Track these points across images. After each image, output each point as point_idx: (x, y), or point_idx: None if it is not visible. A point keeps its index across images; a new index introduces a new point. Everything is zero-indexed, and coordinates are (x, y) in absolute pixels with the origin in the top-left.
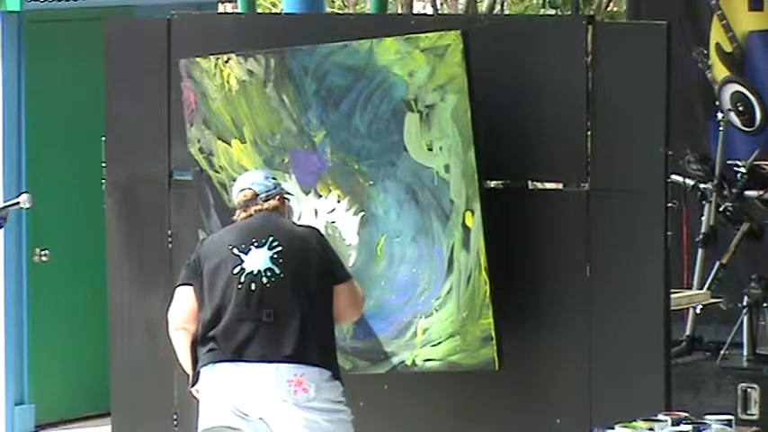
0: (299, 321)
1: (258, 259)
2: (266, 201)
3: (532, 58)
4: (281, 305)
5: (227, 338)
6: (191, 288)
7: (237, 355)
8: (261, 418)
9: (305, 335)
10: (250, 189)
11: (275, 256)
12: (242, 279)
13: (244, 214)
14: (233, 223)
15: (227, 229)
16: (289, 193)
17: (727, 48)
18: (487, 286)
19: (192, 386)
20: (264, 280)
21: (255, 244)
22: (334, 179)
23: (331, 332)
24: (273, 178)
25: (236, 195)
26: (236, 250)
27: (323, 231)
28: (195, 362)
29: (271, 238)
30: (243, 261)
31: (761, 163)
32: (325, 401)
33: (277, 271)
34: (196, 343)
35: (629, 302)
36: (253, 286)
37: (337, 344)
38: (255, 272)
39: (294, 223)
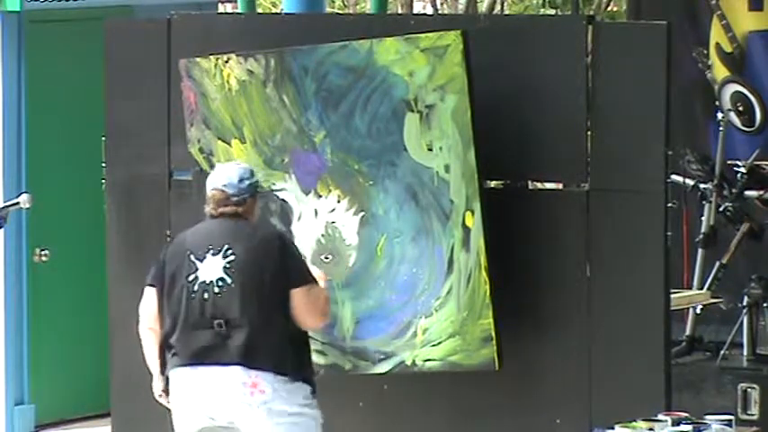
0: (248, 331)
1: (212, 268)
2: (236, 204)
3: (532, 58)
4: (231, 315)
5: (184, 345)
6: (155, 290)
7: (195, 361)
8: (230, 422)
9: (254, 344)
10: (222, 191)
11: (228, 265)
12: (195, 288)
13: (212, 211)
14: (199, 223)
15: (191, 232)
16: (262, 188)
17: (727, 48)
18: (487, 286)
19: (159, 390)
20: (216, 290)
21: (211, 251)
22: (334, 179)
23: (288, 337)
24: (248, 179)
25: (209, 190)
26: (192, 257)
27: (324, 231)
28: (163, 364)
29: (226, 246)
30: (197, 269)
31: (761, 163)
32: (287, 403)
33: (228, 281)
34: (164, 345)
35: (629, 302)
36: (205, 295)
37: (311, 345)
38: (208, 281)
39: (259, 226)
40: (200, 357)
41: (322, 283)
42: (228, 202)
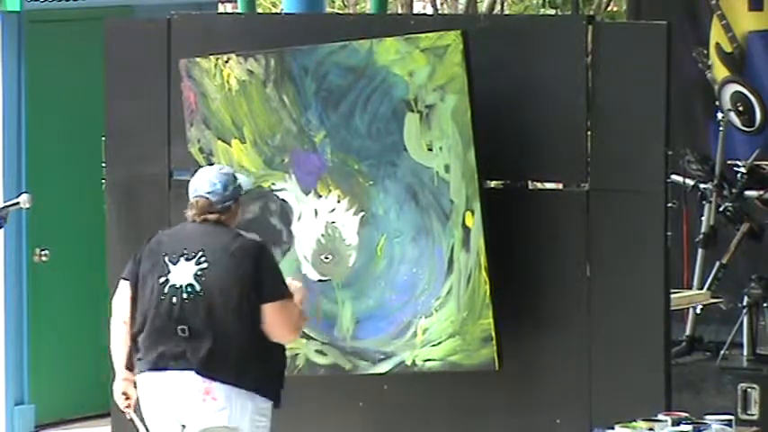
0: (211, 341)
1: (183, 273)
2: (220, 212)
3: (532, 58)
4: (196, 323)
5: (149, 348)
6: (128, 284)
7: (159, 366)
8: (184, 426)
9: (215, 354)
10: (206, 199)
11: (199, 272)
12: (165, 290)
13: (195, 217)
14: (179, 224)
15: (170, 232)
16: (242, 192)
17: (727, 48)
18: (487, 286)
19: (119, 391)
20: (185, 296)
21: (185, 256)
22: (334, 179)
23: (254, 350)
24: (232, 184)
25: (191, 197)
26: (167, 258)
27: (324, 231)
28: (130, 362)
29: (200, 253)
30: (170, 272)
31: (761, 163)
32: (240, 412)
33: (197, 288)
34: (132, 344)
35: (629, 302)
36: (174, 300)
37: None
38: (178, 286)
39: (238, 235)
40: (164, 362)
41: (298, 296)
42: (212, 209)
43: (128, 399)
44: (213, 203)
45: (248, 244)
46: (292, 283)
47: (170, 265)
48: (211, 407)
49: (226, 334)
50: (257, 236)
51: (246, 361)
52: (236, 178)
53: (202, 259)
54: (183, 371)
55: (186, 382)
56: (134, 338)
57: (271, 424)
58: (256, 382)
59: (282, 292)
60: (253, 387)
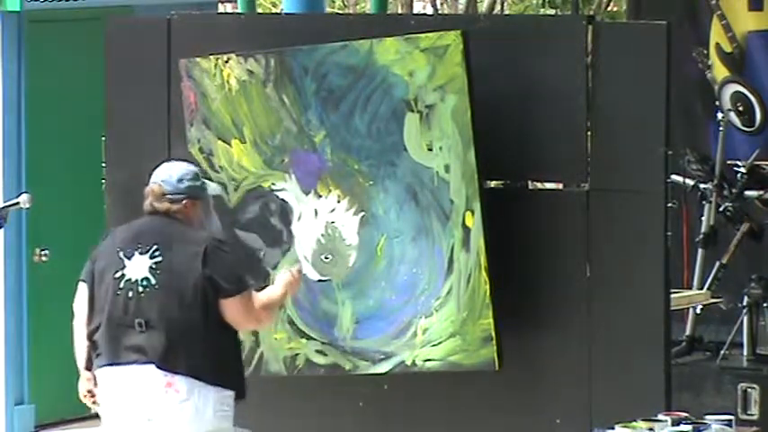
0: (167, 334)
1: (138, 267)
2: (171, 202)
3: (532, 58)
4: (152, 316)
5: (107, 343)
6: (86, 285)
7: (118, 360)
8: (149, 420)
9: (172, 347)
10: (159, 186)
11: (154, 266)
12: (121, 285)
13: (148, 206)
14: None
15: (124, 228)
16: (205, 193)
17: (727, 48)
18: (487, 286)
19: (84, 390)
20: (140, 289)
21: (139, 250)
22: (334, 179)
23: (211, 343)
24: (189, 180)
25: (149, 184)
26: (121, 254)
27: (324, 231)
28: (89, 360)
29: (155, 247)
30: (125, 266)
31: (761, 163)
32: (203, 401)
33: (152, 281)
34: (89, 341)
35: (629, 302)
36: (130, 294)
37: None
38: (133, 280)
39: (192, 230)
40: (122, 357)
41: (287, 289)
42: (163, 198)
43: (93, 396)
44: (165, 192)
45: (199, 240)
46: (283, 275)
47: (125, 259)
48: (174, 398)
49: (181, 327)
50: (214, 232)
51: (203, 354)
52: (198, 177)
53: (156, 253)
54: (142, 365)
55: (147, 376)
56: (91, 336)
57: (233, 412)
58: (215, 375)
59: (238, 287)
60: (212, 380)
